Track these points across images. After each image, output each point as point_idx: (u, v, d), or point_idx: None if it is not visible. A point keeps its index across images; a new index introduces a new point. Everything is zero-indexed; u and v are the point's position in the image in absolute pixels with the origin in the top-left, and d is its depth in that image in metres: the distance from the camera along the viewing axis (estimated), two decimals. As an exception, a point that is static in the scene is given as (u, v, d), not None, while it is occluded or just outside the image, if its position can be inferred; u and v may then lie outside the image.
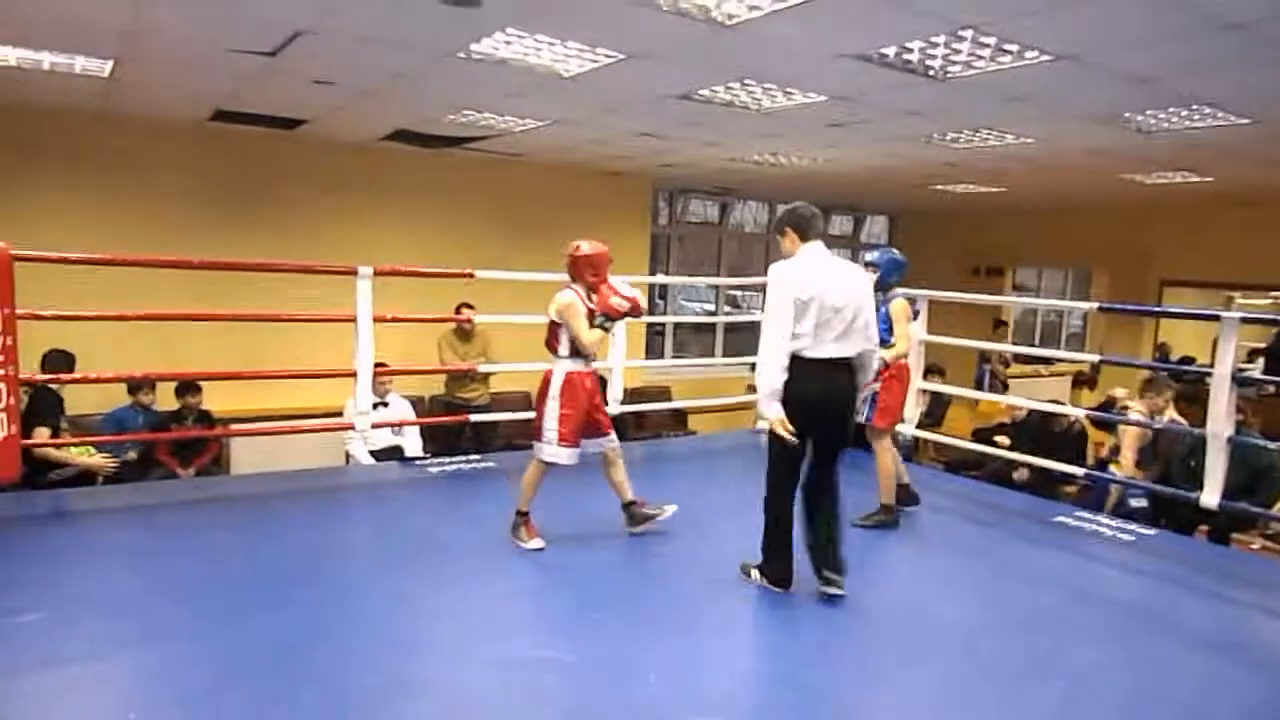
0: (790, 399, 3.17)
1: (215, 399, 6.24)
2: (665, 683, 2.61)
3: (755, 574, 3.40)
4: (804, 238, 3.32)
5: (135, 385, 5.66)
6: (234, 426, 5.83)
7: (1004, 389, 8.86)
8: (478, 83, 5.03)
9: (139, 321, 5.02)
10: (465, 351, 6.77)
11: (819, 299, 3.15)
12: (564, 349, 3.78)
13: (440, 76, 4.91)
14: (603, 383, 4.78)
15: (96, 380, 5.03)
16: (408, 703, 2.43)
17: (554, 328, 3.79)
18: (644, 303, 3.92)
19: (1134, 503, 5.17)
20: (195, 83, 5.31)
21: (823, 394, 3.19)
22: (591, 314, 3.76)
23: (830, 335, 3.18)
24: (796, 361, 3.16)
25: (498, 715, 2.44)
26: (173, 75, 5.14)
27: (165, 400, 5.93)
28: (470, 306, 6.38)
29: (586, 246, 3.87)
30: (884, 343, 4.14)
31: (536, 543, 3.72)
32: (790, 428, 3.16)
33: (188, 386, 5.88)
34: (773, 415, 3.19)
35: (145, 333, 5.83)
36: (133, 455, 5.57)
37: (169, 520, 3.95)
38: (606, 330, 3.81)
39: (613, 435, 3.94)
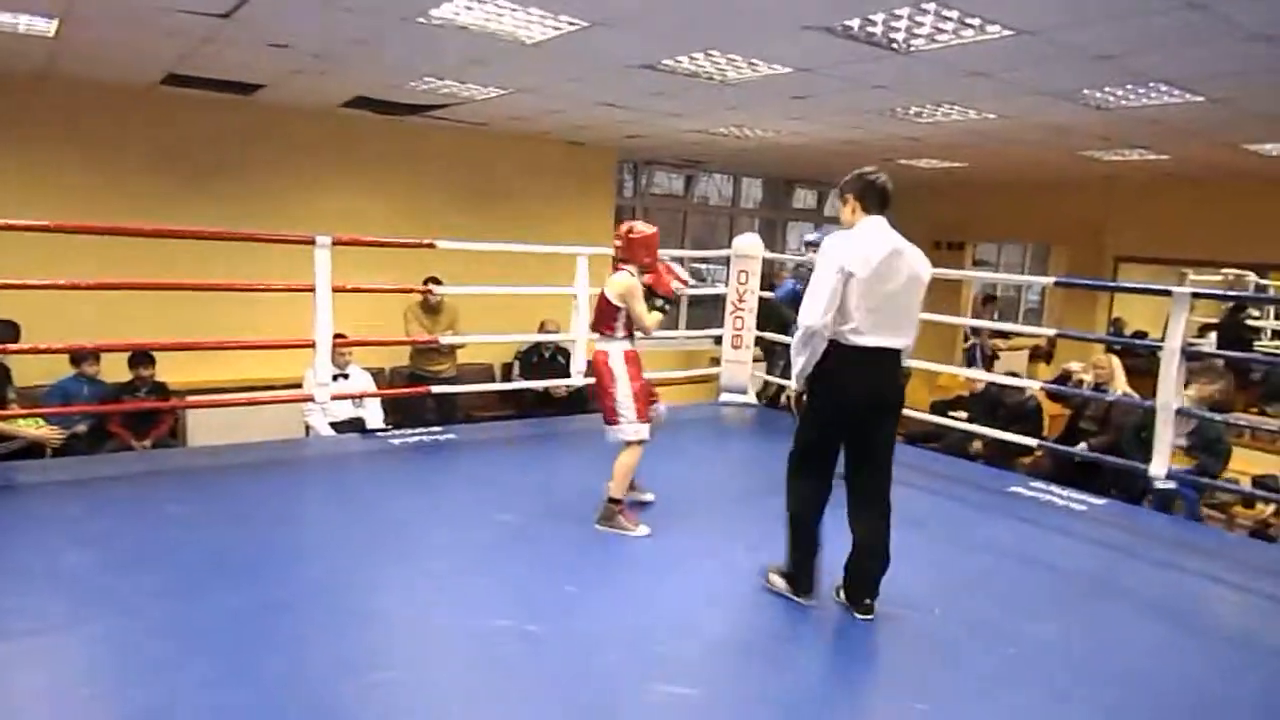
0: (826, 391, 2.87)
1: (171, 371, 6.12)
2: (630, 652, 2.63)
3: (776, 579, 3.10)
4: (866, 209, 2.93)
5: (79, 356, 5.53)
6: (190, 398, 5.73)
7: (993, 364, 9.00)
8: (438, 49, 4.93)
9: (89, 291, 4.90)
10: (432, 325, 6.67)
11: (871, 278, 2.77)
12: (620, 330, 3.73)
13: (399, 42, 4.81)
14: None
15: (45, 351, 4.90)
16: (370, 673, 2.42)
17: (610, 310, 3.71)
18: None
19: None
20: (145, 45, 5.14)
21: (865, 388, 2.83)
22: (647, 294, 3.75)
23: (880, 322, 2.80)
24: (837, 349, 2.81)
25: (461, 685, 2.45)
26: (121, 36, 4.97)
27: (113, 372, 5.81)
28: (438, 281, 6.29)
29: (642, 227, 3.80)
30: None
31: (642, 530, 3.65)
32: (797, 408, 2.98)
33: (141, 358, 5.77)
34: (796, 389, 2.97)
35: (95, 303, 5.68)
36: (82, 428, 5.45)
37: (122, 493, 3.88)
38: (664, 312, 3.82)
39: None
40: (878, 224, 2.91)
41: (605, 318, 3.75)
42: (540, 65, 5.19)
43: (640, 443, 3.70)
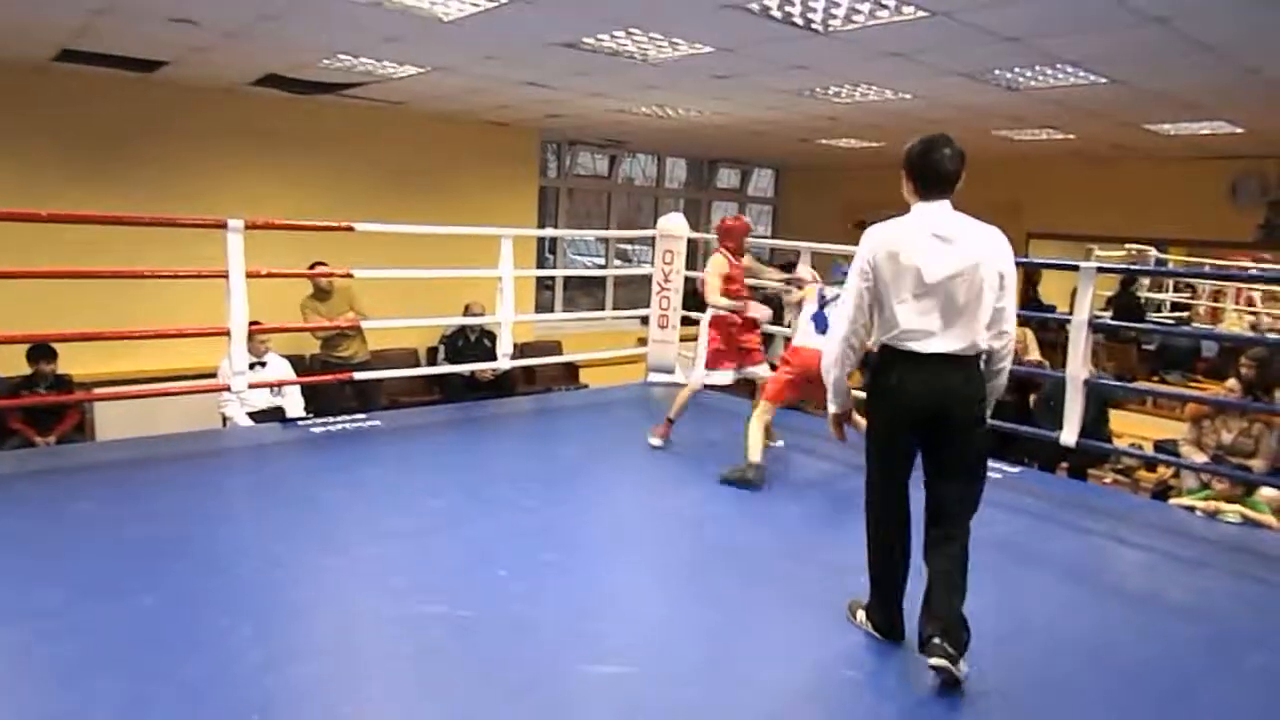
0: (879, 404, 2.55)
1: (76, 363, 5.85)
2: (564, 633, 2.63)
3: (861, 615, 2.73)
4: (922, 190, 2.48)
5: None
6: (96, 391, 5.48)
7: None
8: (351, 25, 4.78)
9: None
10: (327, 312, 6.40)
11: (906, 273, 2.40)
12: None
13: (310, 17, 4.65)
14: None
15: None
16: (294, 667, 2.37)
17: (701, 283, 4.76)
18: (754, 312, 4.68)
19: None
20: (35, 17, 4.86)
21: (921, 399, 2.44)
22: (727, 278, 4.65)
23: (927, 323, 2.40)
24: (888, 355, 2.49)
25: (389, 673, 2.41)
26: (7, 8, 4.69)
27: (6, 364, 5.52)
28: (323, 264, 6.03)
29: (730, 220, 4.82)
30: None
31: (655, 441, 4.63)
32: (840, 428, 2.74)
33: (41, 351, 5.49)
34: (832, 410, 2.70)
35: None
36: (-20, 424, 5.18)
37: (25, 491, 3.70)
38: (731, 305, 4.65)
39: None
40: (934, 212, 2.45)
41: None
42: (458, 43, 5.09)
43: (695, 388, 4.70)
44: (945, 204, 2.47)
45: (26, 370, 5.54)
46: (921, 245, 2.40)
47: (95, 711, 2.11)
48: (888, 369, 2.49)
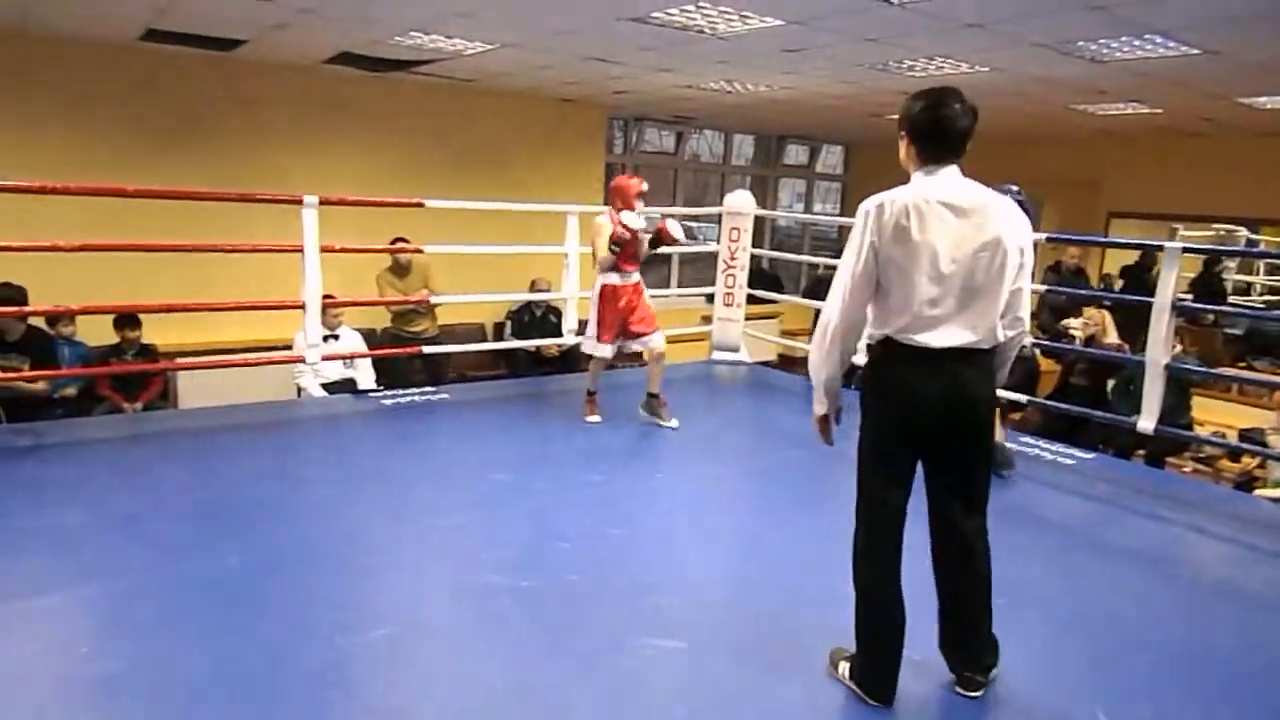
0: (881, 402, 2.15)
1: (158, 333, 6.07)
2: (624, 606, 2.66)
3: (843, 668, 2.31)
4: (928, 155, 2.11)
5: (53, 318, 5.48)
6: (179, 360, 5.70)
7: None
8: (424, 1, 4.84)
9: (72, 254, 4.83)
10: (404, 287, 6.53)
11: (917, 250, 2.03)
12: (601, 266, 4.48)
13: (384, -5, 4.72)
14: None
15: (33, 313, 4.86)
16: (365, 631, 2.44)
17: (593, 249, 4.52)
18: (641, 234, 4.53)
19: None
20: (123, -2, 5.03)
21: (931, 395, 2.08)
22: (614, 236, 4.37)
23: (940, 312, 2.05)
24: (891, 348, 2.12)
25: (454, 639, 2.47)
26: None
27: (94, 334, 5.76)
28: (405, 240, 6.15)
29: (619, 178, 4.59)
30: None
31: (594, 419, 4.63)
32: (827, 431, 2.31)
33: (126, 319, 5.71)
34: (817, 412, 2.28)
35: (78, 264, 5.61)
36: (72, 390, 5.43)
37: (115, 455, 3.88)
38: (612, 253, 4.42)
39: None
40: (943, 178, 2.09)
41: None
42: (528, 18, 5.11)
43: (595, 358, 4.62)
44: (954, 170, 2.11)
45: (114, 339, 5.78)
46: (934, 219, 2.04)
47: (179, 668, 2.21)
48: (890, 368, 2.13)
